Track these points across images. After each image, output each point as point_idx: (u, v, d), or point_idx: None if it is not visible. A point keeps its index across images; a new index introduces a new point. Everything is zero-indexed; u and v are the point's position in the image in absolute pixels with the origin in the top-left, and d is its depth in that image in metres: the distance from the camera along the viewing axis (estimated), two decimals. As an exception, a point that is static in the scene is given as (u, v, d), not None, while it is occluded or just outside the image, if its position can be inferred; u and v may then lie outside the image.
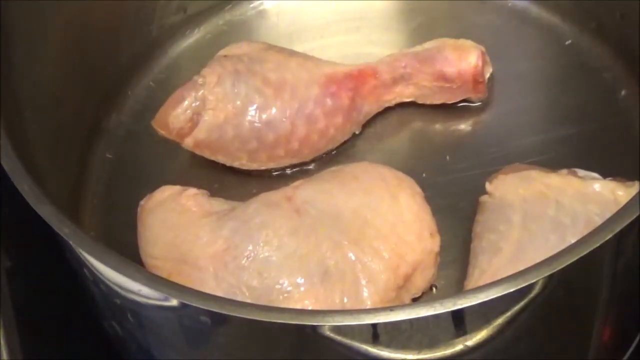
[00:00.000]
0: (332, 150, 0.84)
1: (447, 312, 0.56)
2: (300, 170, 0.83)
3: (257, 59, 0.82)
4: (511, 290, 0.56)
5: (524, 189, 0.73)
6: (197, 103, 0.80)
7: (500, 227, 0.72)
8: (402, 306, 0.57)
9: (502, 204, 0.73)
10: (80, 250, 0.59)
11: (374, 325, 0.57)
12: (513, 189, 0.74)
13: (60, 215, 0.61)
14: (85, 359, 0.77)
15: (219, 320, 0.59)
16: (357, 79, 0.83)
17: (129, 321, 0.67)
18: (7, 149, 0.64)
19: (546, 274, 0.57)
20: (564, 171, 0.75)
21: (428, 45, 0.85)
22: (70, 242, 0.59)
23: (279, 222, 0.71)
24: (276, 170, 0.83)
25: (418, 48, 0.85)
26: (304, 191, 0.74)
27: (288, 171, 0.83)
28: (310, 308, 0.68)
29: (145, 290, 0.59)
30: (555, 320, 0.64)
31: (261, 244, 0.70)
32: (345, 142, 0.84)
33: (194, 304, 0.56)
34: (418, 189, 0.76)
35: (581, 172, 0.74)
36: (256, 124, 0.80)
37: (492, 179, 0.76)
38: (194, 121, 0.80)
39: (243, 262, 0.70)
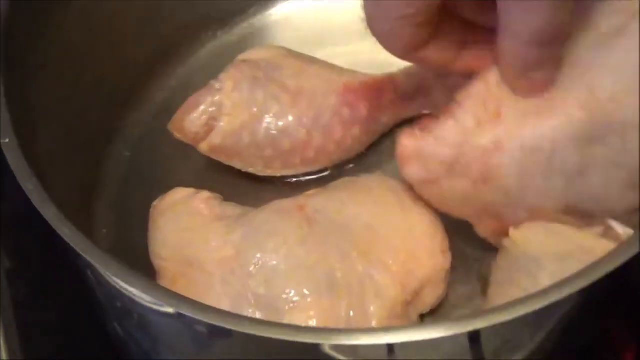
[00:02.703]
0: (348, 160, 0.83)
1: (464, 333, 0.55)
2: (315, 179, 0.83)
3: (276, 66, 0.81)
4: (528, 312, 0.55)
5: (554, 246, 0.69)
6: (214, 108, 0.79)
7: (524, 283, 0.68)
8: (405, 327, 0.57)
9: (527, 256, 0.69)
10: (80, 252, 0.59)
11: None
12: (541, 241, 0.69)
13: (62, 215, 0.60)
14: (85, 359, 0.77)
15: (220, 332, 0.58)
16: (375, 89, 0.82)
17: (130, 324, 0.67)
18: (13, 146, 0.64)
19: (566, 294, 0.56)
20: (600, 229, 0.70)
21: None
22: (70, 244, 0.59)
23: (288, 231, 0.71)
24: (291, 177, 0.82)
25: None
26: (316, 201, 0.74)
27: (303, 179, 0.83)
28: (315, 319, 0.67)
29: (145, 297, 0.58)
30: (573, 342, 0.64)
31: (269, 252, 0.70)
32: (362, 152, 0.84)
33: (190, 315, 0.56)
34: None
35: (619, 228, 0.69)
36: (272, 131, 0.79)
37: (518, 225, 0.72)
38: (210, 126, 0.79)
39: (250, 269, 0.70)
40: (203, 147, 0.80)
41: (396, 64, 0.84)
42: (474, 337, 0.57)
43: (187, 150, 0.82)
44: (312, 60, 0.84)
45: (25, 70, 0.72)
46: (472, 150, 0.69)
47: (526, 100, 0.68)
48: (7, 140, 0.63)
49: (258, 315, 0.68)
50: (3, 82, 0.68)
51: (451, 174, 0.71)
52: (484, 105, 0.70)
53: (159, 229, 0.75)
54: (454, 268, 0.74)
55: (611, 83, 0.66)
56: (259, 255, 0.70)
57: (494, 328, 0.55)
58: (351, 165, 0.83)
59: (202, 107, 0.79)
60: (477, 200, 0.71)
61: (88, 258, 0.59)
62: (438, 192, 0.72)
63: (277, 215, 0.72)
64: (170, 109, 0.83)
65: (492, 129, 0.69)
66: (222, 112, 0.79)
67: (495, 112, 0.69)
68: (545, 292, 0.56)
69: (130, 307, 0.63)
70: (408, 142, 0.71)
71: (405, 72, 0.84)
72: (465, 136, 0.70)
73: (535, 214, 0.70)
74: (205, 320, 0.56)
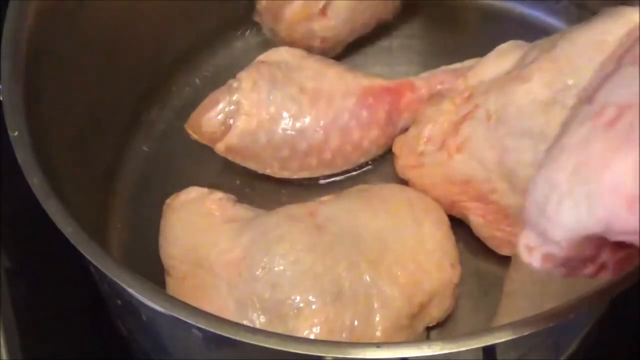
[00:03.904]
0: (366, 164, 0.83)
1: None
2: (332, 183, 0.82)
3: (295, 67, 0.81)
4: (540, 328, 0.56)
5: None
6: (231, 107, 0.79)
7: (534, 296, 0.69)
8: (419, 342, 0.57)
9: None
10: (80, 250, 0.59)
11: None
12: None
13: (66, 212, 0.60)
14: (85, 359, 0.77)
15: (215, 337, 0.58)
16: (394, 92, 0.81)
17: (131, 322, 0.68)
18: (22, 140, 0.63)
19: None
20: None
21: (467, 63, 0.83)
22: (71, 242, 0.59)
23: (297, 237, 0.70)
24: (308, 180, 0.82)
25: (457, 65, 0.84)
26: (328, 208, 0.73)
27: (320, 182, 0.82)
28: (319, 326, 0.67)
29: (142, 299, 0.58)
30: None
31: (278, 257, 0.69)
32: (381, 157, 0.83)
33: (182, 318, 0.56)
34: (444, 217, 0.75)
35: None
36: (289, 132, 0.79)
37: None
38: (227, 126, 0.79)
39: (257, 272, 0.69)
40: (220, 147, 0.80)
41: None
42: (489, 351, 0.56)
43: (205, 149, 0.82)
44: (332, 63, 0.83)
45: (43, 64, 0.72)
46: (447, 124, 0.76)
47: (494, 82, 0.75)
48: (15, 133, 0.63)
49: (262, 319, 0.68)
50: (17, 76, 0.68)
51: (431, 149, 0.77)
52: (460, 94, 0.77)
53: (170, 228, 0.75)
54: (463, 281, 0.73)
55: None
56: (266, 260, 0.69)
57: (506, 343, 0.55)
58: (369, 167, 0.83)
59: (219, 106, 0.79)
60: (457, 173, 0.75)
61: (89, 257, 0.59)
62: (424, 174, 0.77)
63: (287, 220, 0.72)
64: (193, 107, 0.82)
65: (464, 106, 0.76)
66: (240, 111, 0.79)
67: (468, 96, 0.77)
68: (558, 308, 0.57)
69: (130, 305, 0.63)
70: (398, 137, 0.80)
71: (424, 76, 0.83)
72: (443, 115, 0.77)
73: (514, 184, 0.72)
74: (202, 327, 0.56)
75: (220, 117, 0.79)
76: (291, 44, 0.85)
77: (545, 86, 0.73)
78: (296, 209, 0.74)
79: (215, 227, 0.73)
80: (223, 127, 0.79)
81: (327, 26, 0.85)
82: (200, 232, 0.74)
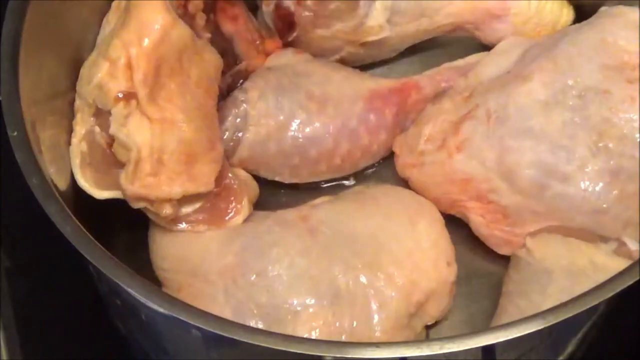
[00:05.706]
0: (372, 165, 0.83)
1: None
2: (335, 186, 0.82)
3: (302, 72, 0.80)
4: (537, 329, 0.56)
5: (567, 260, 0.70)
6: (238, 120, 0.78)
7: (534, 296, 0.69)
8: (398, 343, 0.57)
9: (540, 269, 0.71)
10: (79, 250, 0.59)
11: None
12: (555, 254, 0.71)
13: (65, 212, 0.60)
14: (85, 359, 0.77)
15: (215, 338, 0.58)
16: (400, 93, 0.81)
17: (130, 322, 0.67)
18: (21, 140, 0.63)
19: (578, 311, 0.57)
20: (614, 245, 0.72)
21: (469, 59, 0.83)
22: (71, 242, 0.59)
23: (290, 241, 0.70)
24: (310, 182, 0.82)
25: (460, 62, 0.84)
26: (321, 211, 0.73)
27: (322, 185, 0.82)
28: (317, 329, 0.67)
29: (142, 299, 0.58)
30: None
31: (272, 262, 0.69)
32: (386, 159, 0.83)
33: (182, 318, 0.56)
34: (439, 216, 0.75)
35: (632, 245, 0.71)
36: (299, 140, 0.79)
37: (535, 233, 0.74)
38: (236, 140, 0.78)
39: (252, 278, 0.69)
40: (233, 162, 0.79)
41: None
42: (488, 351, 0.57)
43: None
44: (338, 67, 0.83)
45: (43, 64, 0.72)
46: (447, 123, 0.77)
47: (495, 81, 0.77)
48: (15, 133, 0.63)
49: (260, 325, 0.67)
50: (17, 76, 0.67)
51: (431, 148, 0.77)
52: (461, 93, 0.78)
53: (159, 241, 0.74)
54: (462, 280, 0.74)
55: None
56: (260, 265, 0.69)
57: (506, 343, 0.56)
58: (375, 170, 0.83)
59: (227, 122, 0.78)
60: (457, 172, 0.76)
61: (89, 257, 0.59)
62: (424, 173, 0.77)
63: (278, 226, 0.72)
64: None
65: (464, 105, 0.76)
66: (248, 123, 0.78)
67: (469, 95, 0.76)
68: (557, 308, 0.57)
69: (130, 305, 0.63)
70: (399, 136, 0.81)
71: (428, 74, 0.83)
72: (443, 114, 0.78)
73: (514, 184, 0.73)
74: (202, 326, 0.56)
75: (229, 133, 0.78)
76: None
77: (545, 86, 0.73)
78: (287, 214, 0.74)
79: (203, 234, 0.72)
80: (232, 143, 0.79)
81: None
82: (189, 240, 0.73)
